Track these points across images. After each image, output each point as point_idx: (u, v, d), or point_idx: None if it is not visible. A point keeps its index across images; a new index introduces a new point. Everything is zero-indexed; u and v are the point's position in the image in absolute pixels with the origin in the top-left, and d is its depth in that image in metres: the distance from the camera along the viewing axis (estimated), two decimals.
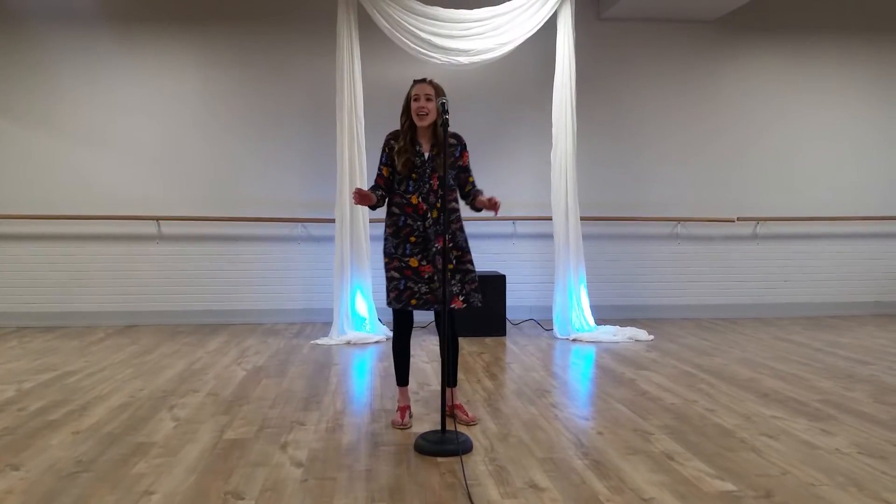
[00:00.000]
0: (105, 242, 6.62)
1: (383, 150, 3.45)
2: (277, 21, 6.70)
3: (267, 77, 6.70)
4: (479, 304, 3.44)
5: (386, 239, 3.45)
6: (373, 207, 3.47)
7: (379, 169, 3.46)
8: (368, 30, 5.89)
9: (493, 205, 3.34)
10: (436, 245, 3.33)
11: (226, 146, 6.70)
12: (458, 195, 3.56)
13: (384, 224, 3.49)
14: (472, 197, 3.50)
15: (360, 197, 3.30)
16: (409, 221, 3.37)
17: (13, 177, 6.54)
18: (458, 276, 3.38)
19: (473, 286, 3.41)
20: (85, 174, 6.58)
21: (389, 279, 3.41)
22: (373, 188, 3.45)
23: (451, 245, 3.36)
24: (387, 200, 3.47)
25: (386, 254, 3.44)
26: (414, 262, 3.36)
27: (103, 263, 6.62)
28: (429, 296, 3.34)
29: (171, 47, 6.67)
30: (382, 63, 6.38)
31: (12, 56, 6.52)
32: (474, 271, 3.44)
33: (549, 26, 5.98)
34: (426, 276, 3.35)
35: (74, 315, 6.57)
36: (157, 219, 6.59)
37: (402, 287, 3.36)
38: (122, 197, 6.58)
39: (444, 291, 3.13)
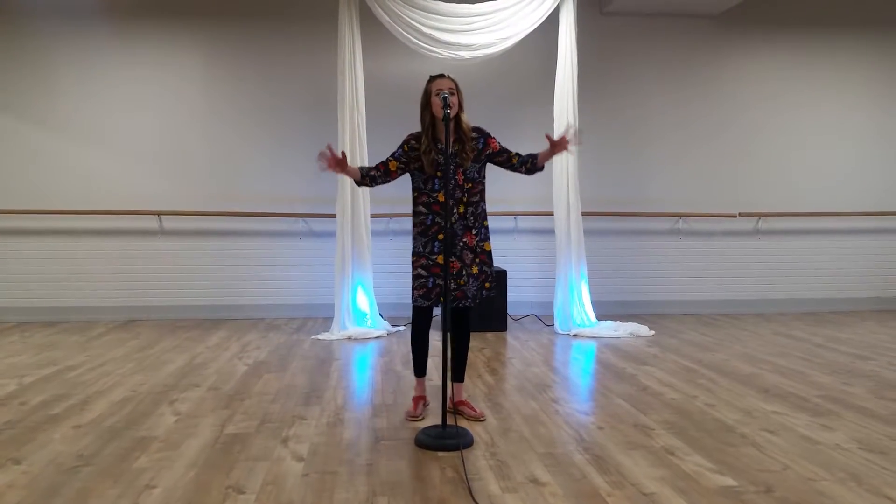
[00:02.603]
0: (106, 237, 6.63)
1: (401, 147, 3.42)
2: (278, 16, 6.69)
3: (268, 72, 6.70)
4: (489, 295, 3.50)
5: (414, 238, 3.44)
6: (358, 183, 3.48)
7: (387, 160, 3.44)
8: (370, 24, 5.88)
9: (561, 144, 3.45)
10: (463, 240, 3.35)
11: (227, 141, 6.70)
12: (510, 170, 3.53)
13: (412, 223, 3.47)
14: (530, 163, 3.50)
15: (334, 161, 3.30)
16: (438, 220, 3.35)
17: (15, 172, 6.54)
18: (478, 269, 3.43)
19: (483, 278, 3.45)
20: (86, 169, 6.58)
21: (416, 276, 3.41)
22: (369, 168, 3.46)
23: (477, 240, 3.40)
24: (413, 200, 3.44)
25: (414, 252, 3.44)
26: (441, 260, 3.35)
27: (104, 258, 6.63)
28: (457, 292, 3.35)
29: (172, 42, 6.66)
30: (384, 58, 6.37)
31: (13, 52, 6.51)
32: (489, 263, 3.47)
33: (552, 21, 5.96)
34: (454, 272, 3.34)
35: (75, 310, 6.58)
36: (159, 214, 6.60)
37: (430, 285, 3.37)
38: (123, 192, 6.58)
39: (446, 287, 3.11)
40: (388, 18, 5.73)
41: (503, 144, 3.52)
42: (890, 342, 5.55)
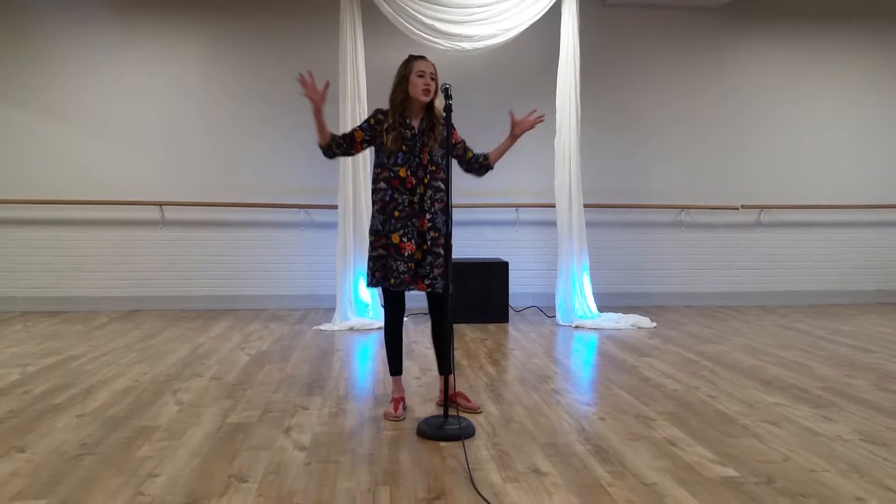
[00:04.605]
0: (108, 228, 6.63)
1: (367, 120, 3.37)
2: (280, 6, 6.68)
3: (269, 63, 6.68)
4: (440, 291, 3.26)
5: (373, 216, 3.35)
6: (322, 146, 3.34)
7: (353, 129, 3.38)
8: (371, 15, 5.86)
9: (527, 124, 3.41)
10: (415, 221, 3.26)
11: (228, 132, 6.69)
12: (464, 168, 3.53)
13: (372, 202, 3.38)
14: (482, 159, 3.50)
15: (312, 88, 3.19)
16: (396, 195, 3.27)
17: (17, 162, 6.54)
18: (428, 259, 3.28)
19: (440, 271, 3.27)
20: (88, 160, 6.58)
21: (376, 258, 3.30)
22: (337, 136, 3.37)
23: (429, 226, 3.28)
24: (374, 176, 3.36)
25: (373, 232, 3.33)
26: (395, 238, 3.25)
27: (107, 248, 6.64)
28: (405, 275, 3.24)
29: (173, 33, 6.65)
30: (385, 49, 6.34)
31: (15, 44, 6.50)
32: (441, 255, 3.28)
33: (554, 12, 5.94)
34: (406, 253, 3.24)
35: (78, 300, 6.59)
36: (161, 204, 6.60)
37: (389, 265, 3.28)
38: (125, 182, 6.58)
39: (447, 275, 3.11)
40: (389, 9, 5.72)
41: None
42: (892, 334, 5.55)
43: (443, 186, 3.30)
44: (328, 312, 6.17)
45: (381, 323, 5.74)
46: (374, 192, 3.37)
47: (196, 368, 4.33)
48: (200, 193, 6.64)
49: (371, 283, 3.35)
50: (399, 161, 3.28)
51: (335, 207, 5.98)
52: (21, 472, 2.64)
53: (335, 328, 5.69)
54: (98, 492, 2.46)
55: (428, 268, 3.28)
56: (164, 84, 6.64)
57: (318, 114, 3.25)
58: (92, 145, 6.60)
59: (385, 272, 3.29)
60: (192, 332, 5.53)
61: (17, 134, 6.55)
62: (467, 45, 5.82)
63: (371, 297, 5.98)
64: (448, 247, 3.16)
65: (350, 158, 5.77)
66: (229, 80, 6.69)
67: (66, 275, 6.61)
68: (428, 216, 3.28)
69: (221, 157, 6.69)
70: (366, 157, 5.89)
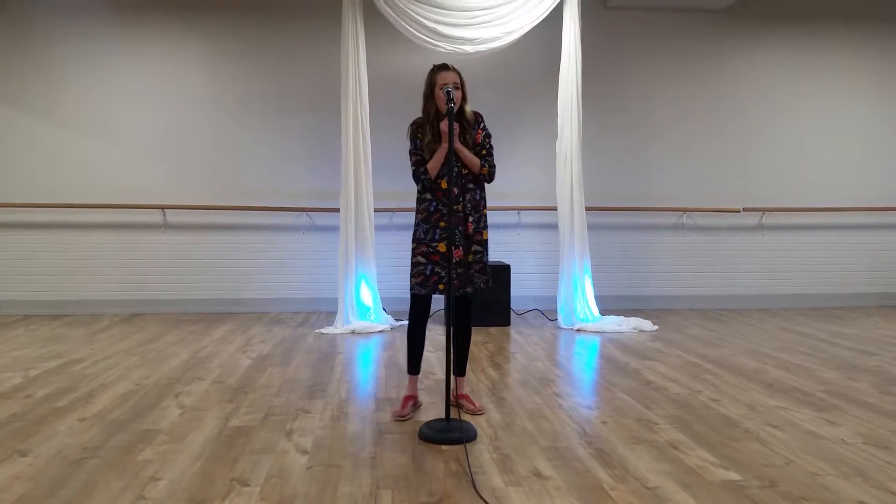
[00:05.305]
0: (111, 231, 6.64)
1: (415, 139, 3.40)
2: (282, 9, 6.69)
3: (271, 65, 6.69)
4: (482, 287, 3.44)
5: (417, 225, 3.42)
6: (428, 179, 3.36)
7: (418, 156, 3.38)
8: (373, 18, 5.87)
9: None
10: (460, 228, 3.34)
11: (230, 135, 6.70)
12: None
13: (415, 211, 3.46)
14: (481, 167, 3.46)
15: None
16: (440, 206, 3.35)
17: (19, 166, 6.56)
18: (472, 260, 3.40)
19: (478, 268, 3.42)
20: (90, 163, 6.59)
21: (415, 264, 3.39)
22: (421, 171, 3.38)
23: (473, 228, 3.38)
24: (419, 189, 3.45)
25: (415, 239, 3.41)
26: (443, 248, 3.34)
27: (109, 252, 6.65)
28: (456, 281, 3.33)
29: (176, 36, 6.66)
30: (387, 51, 6.37)
31: (17, 46, 6.52)
32: (482, 251, 3.43)
33: (555, 15, 5.94)
34: (456, 260, 3.32)
35: (80, 303, 6.59)
36: (163, 207, 6.60)
37: (427, 272, 3.35)
38: (127, 186, 6.60)
39: (450, 278, 3.12)
40: (391, 12, 5.72)
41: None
42: (895, 338, 5.53)
43: (472, 186, 3.40)
44: (330, 316, 6.17)
45: (382, 326, 5.82)
46: (418, 201, 3.44)
47: (198, 372, 4.33)
48: (202, 197, 6.65)
49: (412, 289, 3.42)
50: (441, 173, 3.35)
51: (337, 210, 5.99)
52: (23, 476, 2.64)
53: (337, 331, 5.69)
54: (100, 495, 2.46)
55: (471, 269, 3.39)
56: (166, 87, 6.65)
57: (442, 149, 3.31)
58: (94, 148, 6.61)
59: (422, 279, 3.36)
60: (193, 336, 5.53)
61: (18, 137, 6.56)
62: (469, 49, 5.82)
63: (373, 301, 5.98)
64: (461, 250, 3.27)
65: (352, 161, 5.79)
66: (231, 83, 6.70)
67: (68, 278, 6.62)
68: (471, 219, 3.37)
69: (223, 160, 6.70)
70: (368, 161, 5.89)
